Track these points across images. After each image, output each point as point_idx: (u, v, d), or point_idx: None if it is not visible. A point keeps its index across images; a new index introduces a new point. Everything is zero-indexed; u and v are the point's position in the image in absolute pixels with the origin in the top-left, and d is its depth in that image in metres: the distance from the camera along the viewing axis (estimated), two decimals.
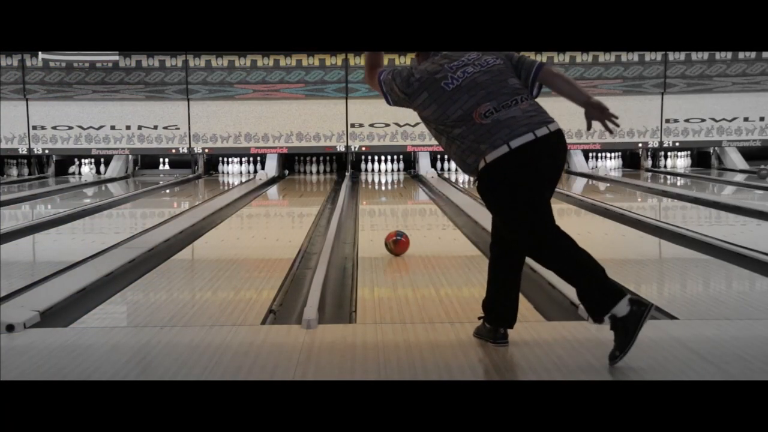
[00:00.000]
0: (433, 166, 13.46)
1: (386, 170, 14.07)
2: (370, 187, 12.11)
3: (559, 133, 3.01)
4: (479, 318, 3.33)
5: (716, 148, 13.91)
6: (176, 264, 5.45)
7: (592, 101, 3.05)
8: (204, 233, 6.85)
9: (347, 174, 13.21)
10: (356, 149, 13.68)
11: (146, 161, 14.34)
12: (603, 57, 13.60)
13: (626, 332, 2.83)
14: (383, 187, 12.18)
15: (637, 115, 13.58)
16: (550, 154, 2.98)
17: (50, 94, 13.51)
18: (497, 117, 2.94)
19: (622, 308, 2.83)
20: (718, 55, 13.55)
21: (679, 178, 12.72)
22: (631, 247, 5.92)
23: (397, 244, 5.45)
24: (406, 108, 3.26)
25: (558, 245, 2.95)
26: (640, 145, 13.80)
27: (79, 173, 13.87)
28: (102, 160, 13.90)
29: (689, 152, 14.31)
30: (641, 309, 2.82)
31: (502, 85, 3.02)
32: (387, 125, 13.62)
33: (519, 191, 2.95)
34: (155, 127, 13.62)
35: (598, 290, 2.90)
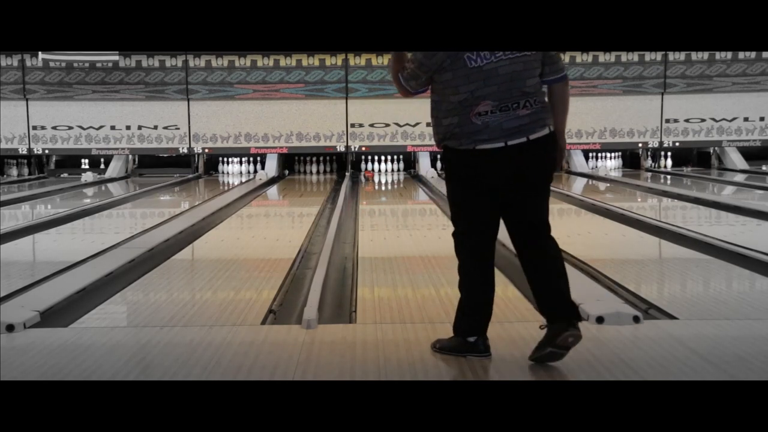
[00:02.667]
0: (433, 166, 13.46)
1: (386, 170, 14.07)
2: (369, 186, 12.11)
3: (539, 141, 2.93)
4: (541, 327, 3.04)
5: (716, 148, 13.91)
6: (176, 264, 5.45)
7: (562, 141, 3.09)
8: (204, 233, 6.85)
9: (347, 174, 13.21)
10: (356, 149, 13.68)
11: (144, 162, 14.33)
12: (603, 57, 13.60)
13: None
14: (383, 187, 12.18)
15: (637, 115, 13.59)
16: (511, 162, 2.92)
17: (50, 94, 13.51)
18: (488, 121, 2.91)
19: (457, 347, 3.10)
20: (718, 55, 13.55)
21: (670, 177, 12.72)
22: (631, 247, 5.92)
23: None
24: (422, 89, 3.13)
25: (463, 258, 3.08)
26: (640, 145, 13.80)
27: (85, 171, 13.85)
28: (102, 160, 13.91)
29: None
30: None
31: (517, 85, 2.92)
32: (387, 125, 13.63)
33: (455, 187, 3.06)
34: (155, 127, 13.61)
35: (463, 317, 3.10)
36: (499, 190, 2.98)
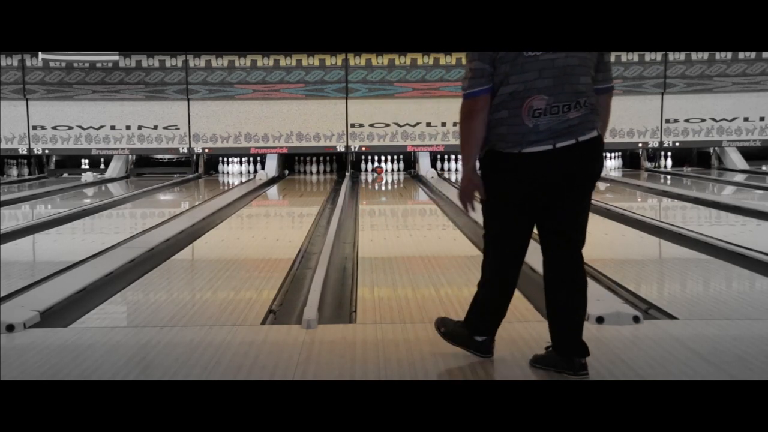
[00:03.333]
0: (433, 166, 13.46)
1: (386, 170, 14.07)
2: (370, 187, 12.11)
3: (588, 143, 2.77)
4: (546, 348, 3.03)
5: (716, 148, 13.91)
6: (176, 264, 5.45)
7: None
8: (204, 233, 6.85)
9: (347, 174, 13.22)
10: (356, 149, 13.68)
11: (141, 162, 14.34)
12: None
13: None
14: (383, 187, 12.18)
15: (637, 115, 13.58)
16: (559, 166, 2.76)
17: (50, 94, 13.51)
18: (539, 123, 2.72)
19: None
20: (718, 55, 13.55)
21: (670, 177, 12.72)
22: (631, 247, 5.92)
23: None
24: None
25: (493, 261, 3.00)
26: (640, 145, 13.80)
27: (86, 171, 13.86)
28: (102, 160, 13.91)
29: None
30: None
31: (571, 81, 2.75)
32: (387, 125, 13.62)
33: (494, 191, 2.89)
34: (155, 127, 13.61)
35: (480, 316, 3.04)
36: (541, 196, 2.81)
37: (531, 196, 2.83)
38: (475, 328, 3.05)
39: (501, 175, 2.86)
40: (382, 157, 14.06)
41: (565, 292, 2.88)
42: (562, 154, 2.74)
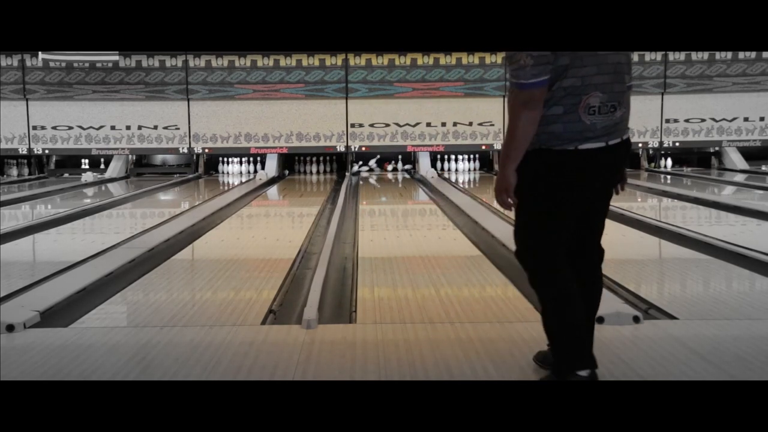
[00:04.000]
0: (433, 166, 13.47)
1: (399, 169, 14.09)
2: (370, 187, 12.10)
3: (627, 143, 2.73)
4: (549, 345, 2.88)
5: (716, 148, 13.91)
6: (176, 264, 5.46)
7: None
8: (204, 233, 6.85)
9: (347, 174, 13.22)
10: (356, 149, 13.68)
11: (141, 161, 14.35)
12: None
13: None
14: (383, 187, 12.18)
15: (637, 115, 13.57)
16: (609, 163, 2.67)
17: (50, 94, 13.51)
18: (595, 122, 2.60)
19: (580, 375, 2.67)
20: (718, 55, 13.55)
21: (670, 177, 12.72)
22: (631, 247, 5.92)
23: None
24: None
25: (551, 275, 2.68)
26: (640, 145, 13.79)
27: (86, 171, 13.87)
28: (102, 160, 13.91)
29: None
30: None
31: (620, 79, 2.69)
32: (387, 125, 13.63)
33: (543, 194, 2.63)
34: (155, 127, 13.61)
35: (565, 349, 2.70)
36: (589, 194, 2.68)
37: (582, 195, 2.67)
38: (570, 363, 2.68)
39: (555, 173, 2.61)
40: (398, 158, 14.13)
41: (597, 292, 2.79)
42: (612, 152, 2.64)
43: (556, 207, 2.64)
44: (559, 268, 2.67)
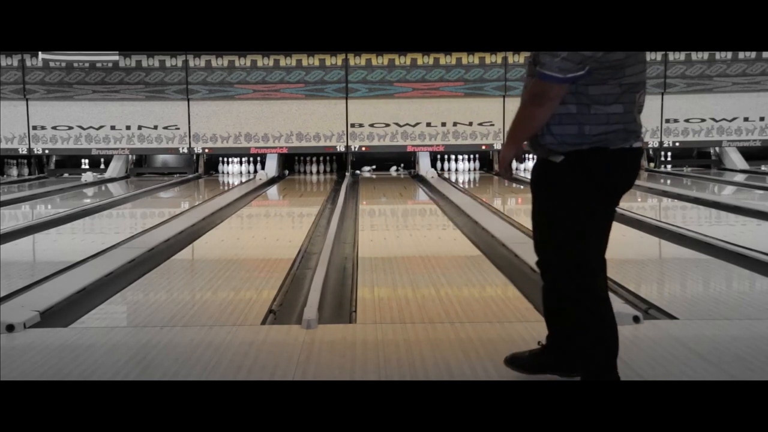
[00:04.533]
0: (433, 166, 13.47)
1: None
2: (370, 187, 12.11)
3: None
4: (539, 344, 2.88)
5: (716, 148, 13.91)
6: (176, 264, 5.45)
7: None
8: (204, 233, 6.85)
9: (347, 174, 13.22)
10: (356, 149, 13.68)
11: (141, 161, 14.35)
12: None
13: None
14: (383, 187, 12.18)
15: None
16: (640, 162, 2.62)
17: (50, 94, 13.51)
18: (639, 120, 2.51)
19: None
20: (718, 55, 13.54)
21: (672, 177, 12.72)
22: (631, 247, 5.92)
23: None
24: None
25: (587, 282, 2.53)
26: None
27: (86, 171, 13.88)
28: (102, 160, 13.91)
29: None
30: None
31: (644, 78, 2.59)
32: (387, 125, 13.63)
33: (582, 196, 2.48)
34: (155, 127, 13.61)
35: (598, 361, 2.57)
36: (620, 195, 2.57)
37: (615, 198, 2.55)
38: (599, 372, 2.58)
39: (601, 176, 2.48)
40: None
41: (608, 301, 2.62)
42: (641, 151, 2.58)
43: (590, 209, 2.49)
44: (593, 273, 2.54)
